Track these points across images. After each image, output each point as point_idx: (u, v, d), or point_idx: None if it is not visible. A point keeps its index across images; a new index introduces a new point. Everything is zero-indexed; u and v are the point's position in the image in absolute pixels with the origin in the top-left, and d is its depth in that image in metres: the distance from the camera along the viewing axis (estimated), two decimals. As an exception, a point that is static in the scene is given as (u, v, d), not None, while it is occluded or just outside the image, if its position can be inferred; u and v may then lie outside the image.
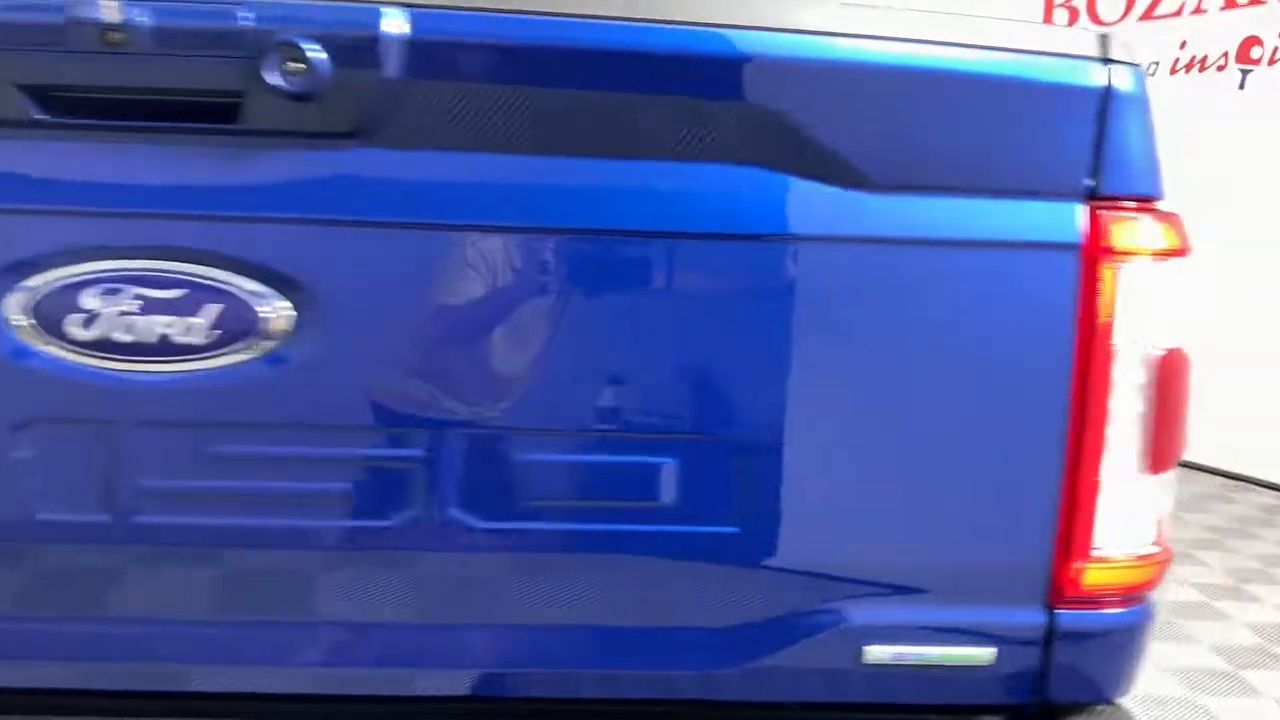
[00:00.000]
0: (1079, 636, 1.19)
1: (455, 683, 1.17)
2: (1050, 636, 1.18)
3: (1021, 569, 1.17)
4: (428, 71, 1.05)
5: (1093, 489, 1.15)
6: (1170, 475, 1.20)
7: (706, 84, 1.08)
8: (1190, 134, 5.11)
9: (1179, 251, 1.17)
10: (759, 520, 1.14)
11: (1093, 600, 1.18)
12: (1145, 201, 1.16)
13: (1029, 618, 1.18)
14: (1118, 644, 1.22)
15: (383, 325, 1.09)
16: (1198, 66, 5.12)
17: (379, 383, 1.10)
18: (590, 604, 1.15)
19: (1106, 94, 1.10)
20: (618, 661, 1.17)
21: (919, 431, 1.14)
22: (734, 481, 1.13)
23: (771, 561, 1.15)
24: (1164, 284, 1.16)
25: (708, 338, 1.11)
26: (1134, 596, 1.22)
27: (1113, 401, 1.14)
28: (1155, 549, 1.21)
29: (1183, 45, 5.17)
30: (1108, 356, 1.13)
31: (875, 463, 1.14)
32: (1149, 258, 1.14)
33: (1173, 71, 5.21)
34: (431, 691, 1.17)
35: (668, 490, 1.13)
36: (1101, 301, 1.12)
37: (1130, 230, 1.13)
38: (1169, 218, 1.16)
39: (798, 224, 1.09)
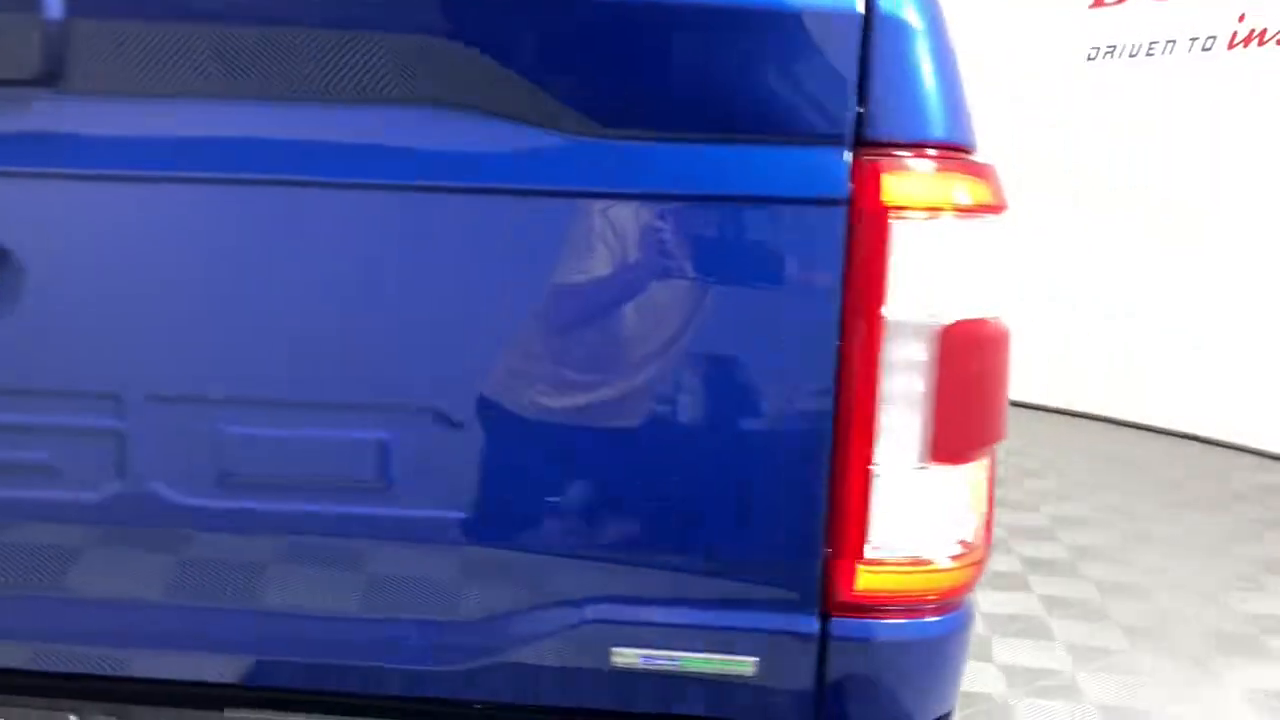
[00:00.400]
0: (862, 647, 1.04)
1: (149, 664, 1.09)
2: (825, 647, 1.03)
3: (787, 570, 1.02)
4: (108, 12, 0.97)
5: (864, 481, 0.99)
6: (975, 466, 1.04)
7: (408, 20, 0.96)
8: (1250, 110, 4.75)
9: (987, 208, 1.01)
10: (484, 504, 1.02)
11: (876, 607, 1.03)
12: (945, 149, 0.99)
13: (798, 625, 1.03)
14: (916, 657, 1.07)
15: (78, 285, 1.01)
16: (1257, 40, 4.74)
17: (74, 346, 1.02)
18: (299, 589, 1.06)
19: (869, 21, 0.95)
20: (327, 652, 1.07)
21: (667, 410, 1.01)
22: (455, 460, 1.02)
23: (500, 550, 1.03)
24: (958, 245, 1.00)
25: (416, 300, 0.99)
26: (941, 604, 1.06)
27: (885, 382, 0.98)
28: (959, 549, 1.05)
29: (1241, 18, 4.80)
30: (878, 329, 0.97)
31: (619, 443, 1.01)
32: (940, 213, 0.98)
33: (1230, 46, 4.84)
34: (119, 672, 1.10)
35: (379, 468, 1.02)
36: (870, 265, 0.97)
37: (910, 182, 0.97)
38: (971, 168, 1.00)
39: (503, 174, 0.97)
